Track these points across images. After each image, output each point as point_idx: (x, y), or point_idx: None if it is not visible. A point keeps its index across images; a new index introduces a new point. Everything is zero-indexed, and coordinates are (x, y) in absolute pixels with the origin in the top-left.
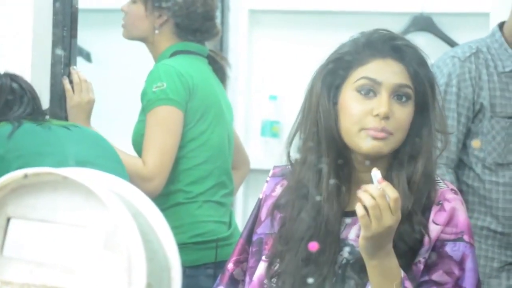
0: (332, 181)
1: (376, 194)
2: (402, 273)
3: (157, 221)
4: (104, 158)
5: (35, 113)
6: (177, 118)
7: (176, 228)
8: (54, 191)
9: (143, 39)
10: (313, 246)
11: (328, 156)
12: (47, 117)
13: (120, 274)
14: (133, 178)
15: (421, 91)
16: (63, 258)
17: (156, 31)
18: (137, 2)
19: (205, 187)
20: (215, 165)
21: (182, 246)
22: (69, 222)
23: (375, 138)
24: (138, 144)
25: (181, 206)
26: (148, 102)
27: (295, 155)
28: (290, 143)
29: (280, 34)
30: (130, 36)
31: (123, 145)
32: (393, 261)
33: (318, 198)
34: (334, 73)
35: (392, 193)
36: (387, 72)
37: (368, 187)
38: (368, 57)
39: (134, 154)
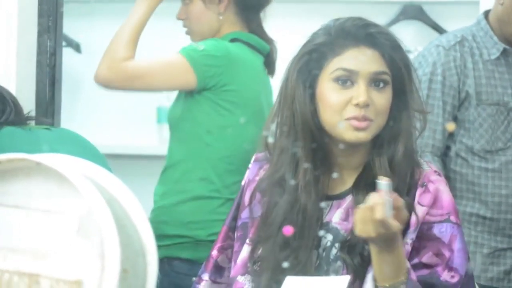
0: (309, 170)
1: (367, 205)
2: (408, 264)
3: (132, 206)
4: (85, 155)
5: (17, 120)
6: (184, 73)
7: (196, 223)
8: (28, 177)
9: (211, 34)
10: (290, 232)
11: (305, 146)
12: (32, 122)
13: (94, 259)
14: (113, 55)
15: (397, 75)
16: (36, 244)
17: (221, 17)
18: (192, 1)
19: (230, 181)
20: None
21: (199, 243)
22: (42, 208)
23: (357, 129)
24: (173, 119)
25: (204, 201)
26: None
27: (272, 143)
28: (267, 131)
29: (268, 25)
30: (200, 37)
31: (114, 134)
32: (398, 253)
33: (295, 187)
34: (309, 65)
35: (378, 213)
36: (362, 60)
37: (372, 194)
38: (342, 47)
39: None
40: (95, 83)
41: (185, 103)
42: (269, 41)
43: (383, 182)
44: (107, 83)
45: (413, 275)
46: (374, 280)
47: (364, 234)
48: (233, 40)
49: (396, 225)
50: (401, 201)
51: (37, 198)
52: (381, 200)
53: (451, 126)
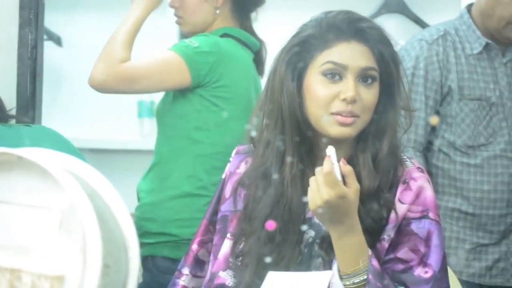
0: (295, 165)
1: (316, 169)
2: (369, 251)
3: (114, 201)
4: (65, 152)
5: (0, 117)
6: (180, 72)
7: (181, 221)
8: (9, 171)
9: (204, 27)
10: (276, 227)
11: (292, 139)
12: (13, 121)
13: (75, 254)
14: (109, 57)
15: (386, 71)
16: (18, 239)
17: (217, 11)
18: None
19: (217, 179)
20: None
21: (183, 242)
22: (24, 202)
23: (343, 124)
24: (161, 115)
25: (191, 199)
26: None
27: (257, 135)
28: (252, 123)
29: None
30: (192, 28)
31: (95, 128)
32: (357, 238)
33: (281, 181)
34: (298, 57)
35: (324, 167)
36: (352, 55)
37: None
38: (332, 41)
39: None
40: (90, 86)
41: (174, 99)
42: (259, 41)
43: (330, 147)
44: (103, 86)
45: (375, 262)
46: (338, 269)
47: (318, 201)
48: (223, 35)
49: (344, 187)
50: (349, 168)
51: (19, 192)
52: (328, 159)
53: (434, 120)
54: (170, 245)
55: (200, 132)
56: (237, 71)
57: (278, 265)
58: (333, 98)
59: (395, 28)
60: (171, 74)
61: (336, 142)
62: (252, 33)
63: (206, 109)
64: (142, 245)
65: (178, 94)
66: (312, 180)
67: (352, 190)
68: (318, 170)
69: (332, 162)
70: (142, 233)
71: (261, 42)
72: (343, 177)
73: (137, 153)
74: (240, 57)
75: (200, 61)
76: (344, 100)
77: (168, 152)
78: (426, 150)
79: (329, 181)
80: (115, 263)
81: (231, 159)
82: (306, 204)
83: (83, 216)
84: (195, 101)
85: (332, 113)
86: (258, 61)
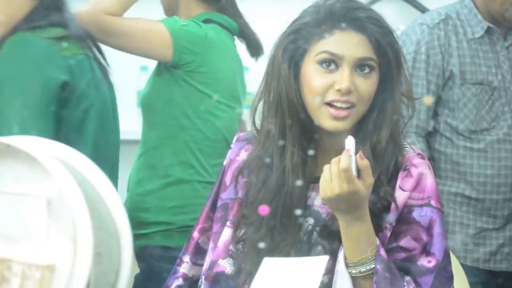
0: (296, 152)
1: (333, 160)
2: (377, 240)
3: (105, 189)
4: None
5: None
6: (163, 44)
7: (178, 208)
8: None
9: (171, 11)
10: (276, 215)
11: (292, 128)
12: None
13: (66, 243)
14: (100, 3)
15: (385, 61)
16: (8, 228)
17: None
18: None
19: (208, 163)
20: (222, 144)
21: (182, 230)
22: (13, 191)
23: (337, 118)
24: (147, 103)
25: (185, 185)
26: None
27: (259, 121)
28: (254, 110)
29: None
30: (165, 13)
31: None
32: (365, 228)
33: (282, 169)
34: (295, 44)
35: (342, 162)
36: (348, 45)
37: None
38: (329, 29)
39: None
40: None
41: (160, 86)
42: (243, 23)
43: (349, 138)
44: (85, 28)
45: (383, 251)
46: (344, 257)
47: (329, 192)
48: (205, 21)
49: (358, 182)
50: (366, 162)
51: (7, 181)
52: (347, 153)
53: (428, 99)
54: (166, 234)
55: (188, 117)
56: (222, 58)
57: (278, 253)
58: (327, 87)
59: (395, 13)
60: (154, 42)
61: (334, 133)
62: (234, 15)
63: (192, 94)
64: (137, 236)
65: (163, 80)
66: (326, 169)
67: (366, 184)
68: (334, 160)
69: (350, 155)
70: (136, 224)
71: (245, 24)
72: (358, 170)
73: (136, 144)
74: (224, 43)
75: (185, 38)
76: (338, 90)
77: (156, 140)
78: (428, 135)
79: (345, 177)
80: (107, 252)
81: (232, 146)
82: (306, 191)
83: (72, 204)
84: (180, 87)
85: (326, 103)
86: (249, 43)
